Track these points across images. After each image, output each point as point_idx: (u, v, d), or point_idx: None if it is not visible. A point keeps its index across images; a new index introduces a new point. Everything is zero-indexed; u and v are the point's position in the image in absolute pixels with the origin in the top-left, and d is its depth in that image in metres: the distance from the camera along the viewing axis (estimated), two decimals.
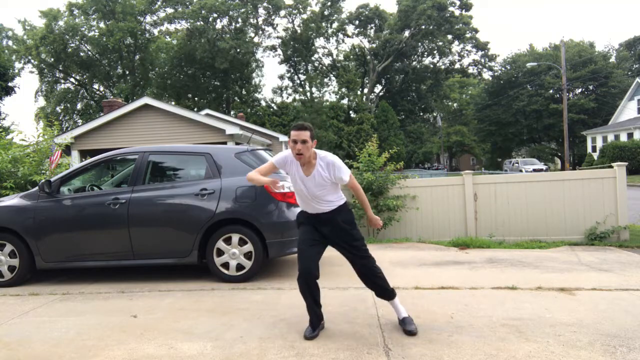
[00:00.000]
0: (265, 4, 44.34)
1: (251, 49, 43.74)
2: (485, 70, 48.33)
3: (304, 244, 3.30)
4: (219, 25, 44.39)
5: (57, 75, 45.67)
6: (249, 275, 5.04)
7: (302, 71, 49.22)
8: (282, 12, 45.78)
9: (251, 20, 45.57)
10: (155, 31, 46.39)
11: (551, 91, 39.87)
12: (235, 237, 5.04)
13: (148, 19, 45.34)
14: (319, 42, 48.41)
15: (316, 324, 3.38)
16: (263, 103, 46.59)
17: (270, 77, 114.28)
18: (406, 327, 3.35)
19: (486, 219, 7.69)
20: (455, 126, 55.13)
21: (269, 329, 3.54)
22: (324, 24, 46.10)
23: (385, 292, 3.43)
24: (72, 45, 42.38)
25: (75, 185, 5.72)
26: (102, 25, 43.10)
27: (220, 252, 5.05)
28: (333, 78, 48.12)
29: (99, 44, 42.26)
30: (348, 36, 49.05)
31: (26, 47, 41.67)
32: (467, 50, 47.23)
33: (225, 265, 5.05)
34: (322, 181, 3.19)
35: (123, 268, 5.56)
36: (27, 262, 5.23)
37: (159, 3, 43.81)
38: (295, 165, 3.24)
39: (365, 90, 47.89)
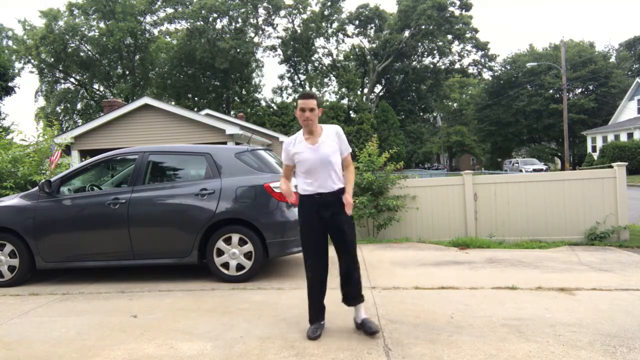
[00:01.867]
0: (265, 4, 44.34)
1: (251, 49, 43.74)
2: (485, 70, 48.35)
3: (316, 255, 3.37)
4: (219, 25, 44.41)
5: (57, 75, 45.68)
6: (249, 275, 5.04)
7: (302, 71, 49.22)
8: (282, 12, 45.81)
9: (251, 20, 45.58)
10: (155, 31, 46.46)
11: (551, 91, 39.85)
12: (235, 237, 5.03)
13: (148, 19, 45.38)
14: (319, 42, 48.49)
15: (321, 318, 3.45)
16: (263, 103, 46.60)
17: (270, 77, 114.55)
18: (367, 328, 3.34)
19: (486, 219, 7.69)
20: (455, 126, 55.13)
21: (269, 329, 3.54)
22: (324, 24, 46.11)
23: (357, 295, 3.42)
24: (72, 45, 42.38)
25: (75, 185, 5.72)
26: (102, 25, 43.10)
27: (220, 252, 5.05)
28: (333, 78, 48.12)
29: (99, 44, 42.27)
30: (348, 36, 49.08)
31: (26, 47, 41.67)
32: (467, 50, 47.26)
33: (225, 265, 5.05)
34: (332, 146, 3.30)
35: (123, 268, 5.56)
36: (27, 262, 5.23)
37: (159, 3, 43.82)
38: (300, 141, 3.32)
39: (365, 90, 47.89)
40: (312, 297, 3.44)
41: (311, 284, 3.42)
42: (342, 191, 3.32)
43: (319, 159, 3.25)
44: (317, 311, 3.44)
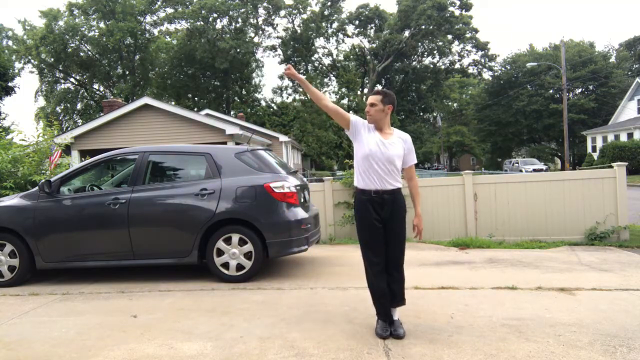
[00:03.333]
0: (265, 4, 44.36)
1: (251, 49, 43.78)
2: (485, 70, 48.30)
3: (381, 250, 3.29)
4: (219, 25, 44.44)
5: (57, 75, 45.70)
6: (249, 275, 5.04)
7: (302, 71, 49.15)
8: (282, 12, 45.83)
9: (251, 20, 45.61)
10: (155, 31, 46.48)
11: (551, 91, 39.83)
12: (235, 237, 5.03)
13: (148, 19, 45.41)
14: (319, 42, 48.50)
15: (390, 317, 3.37)
16: (263, 103, 46.64)
17: (270, 77, 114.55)
18: (392, 329, 3.32)
19: (486, 219, 7.69)
20: (455, 126, 55.06)
21: (269, 329, 3.54)
22: (324, 24, 46.12)
23: (401, 296, 3.37)
24: (72, 45, 42.40)
25: (75, 185, 5.72)
26: (102, 25, 43.12)
27: (220, 252, 5.05)
28: (333, 78, 48.13)
29: (99, 44, 42.28)
30: (348, 36, 49.07)
31: (26, 47, 41.67)
32: (467, 50, 47.22)
33: (225, 265, 5.05)
34: (399, 150, 3.34)
35: (123, 268, 5.56)
36: (27, 262, 5.23)
37: (159, 3, 43.84)
38: (372, 131, 3.35)
39: (365, 90, 47.84)
40: (377, 299, 3.37)
41: (374, 280, 3.32)
42: (399, 191, 3.33)
43: (384, 155, 3.26)
44: (385, 312, 3.36)
